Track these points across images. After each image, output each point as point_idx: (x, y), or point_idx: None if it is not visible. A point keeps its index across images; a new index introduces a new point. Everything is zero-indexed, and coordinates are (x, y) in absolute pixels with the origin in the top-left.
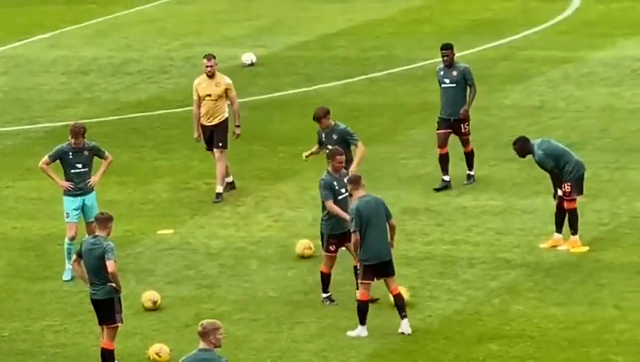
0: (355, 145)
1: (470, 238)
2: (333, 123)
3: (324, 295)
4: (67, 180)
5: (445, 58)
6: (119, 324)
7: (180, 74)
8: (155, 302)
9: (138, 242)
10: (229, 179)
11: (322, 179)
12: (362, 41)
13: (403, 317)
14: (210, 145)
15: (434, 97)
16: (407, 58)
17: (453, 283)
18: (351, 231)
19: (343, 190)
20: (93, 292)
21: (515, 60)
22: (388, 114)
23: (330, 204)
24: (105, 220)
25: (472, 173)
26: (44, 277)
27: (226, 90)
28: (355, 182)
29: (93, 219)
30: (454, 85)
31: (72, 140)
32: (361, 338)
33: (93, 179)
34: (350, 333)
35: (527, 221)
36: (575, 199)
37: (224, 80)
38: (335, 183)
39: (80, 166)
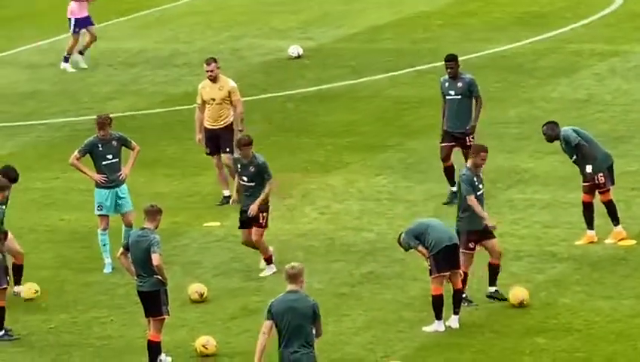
0: (268, 182)
1: (517, 231)
2: (252, 154)
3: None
4: (98, 173)
5: (450, 70)
6: (166, 316)
7: (227, 66)
8: (201, 295)
9: (184, 234)
10: (226, 192)
11: (464, 174)
12: (410, 33)
13: (455, 313)
14: (212, 149)
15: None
16: (455, 50)
17: (500, 276)
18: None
19: (481, 186)
20: (140, 284)
21: (562, 53)
22: (435, 106)
23: (471, 198)
24: (154, 213)
25: (454, 188)
26: (91, 269)
27: (229, 94)
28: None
29: (128, 211)
30: (459, 97)
31: (99, 132)
32: (430, 332)
33: (124, 171)
34: (426, 329)
35: (573, 214)
36: (609, 190)
37: (228, 83)
38: (475, 179)
39: (110, 157)
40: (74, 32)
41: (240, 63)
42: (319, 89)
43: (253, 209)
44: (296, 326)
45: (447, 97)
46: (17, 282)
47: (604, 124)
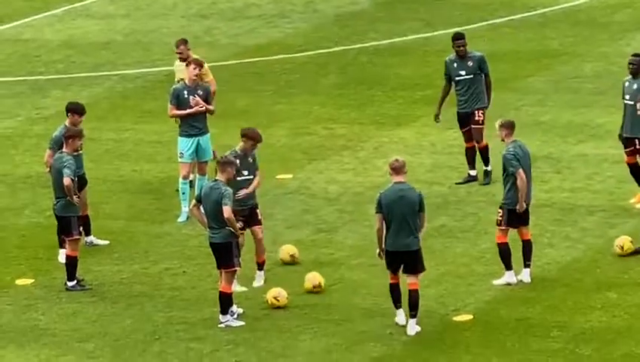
0: (258, 172)
1: (590, 186)
2: (251, 149)
3: None
4: (183, 120)
5: (461, 48)
6: (237, 268)
7: (301, 19)
8: (293, 256)
9: None
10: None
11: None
12: None
13: (527, 265)
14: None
15: (554, 44)
16: (528, 5)
17: (572, 231)
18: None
19: None
20: (212, 235)
21: (636, 8)
22: (507, 60)
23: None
24: (225, 164)
25: (489, 168)
26: (163, 221)
27: (201, 76)
28: (510, 127)
29: (206, 159)
30: (471, 76)
31: (195, 70)
32: (501, 286)
33: (207, 107)
34: (497, 282)
35: None
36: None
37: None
38: None
39: (194, 104)
40: None
41: (314, 16)
42: (392, 42)
43: (248, 191)
44: (405, 214)
45: (458, 78)
46: (87, 233)
47: None
